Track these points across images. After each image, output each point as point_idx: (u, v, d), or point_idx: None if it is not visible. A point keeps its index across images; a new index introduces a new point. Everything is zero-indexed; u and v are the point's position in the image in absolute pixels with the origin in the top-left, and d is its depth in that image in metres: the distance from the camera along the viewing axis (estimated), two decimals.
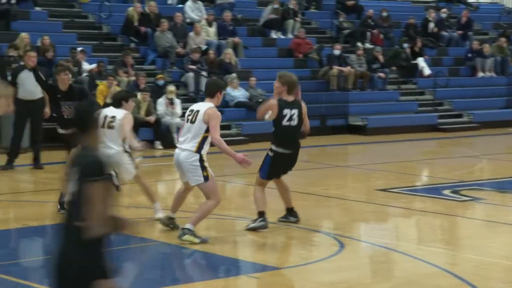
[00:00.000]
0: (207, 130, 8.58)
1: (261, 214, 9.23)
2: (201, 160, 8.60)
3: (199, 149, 8.61)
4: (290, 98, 9.43)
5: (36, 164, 13.68)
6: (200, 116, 8.63)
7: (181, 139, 8.82)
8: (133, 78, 17.50)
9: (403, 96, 22.23)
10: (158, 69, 19.22)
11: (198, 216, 8.77)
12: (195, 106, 8.94)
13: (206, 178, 8.58)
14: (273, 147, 9.40)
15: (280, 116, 9.31)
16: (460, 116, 22.20)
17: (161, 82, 17.67)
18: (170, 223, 9.20)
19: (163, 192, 12.37)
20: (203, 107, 8.75)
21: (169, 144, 15.83)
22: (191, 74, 18.72)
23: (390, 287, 7.47)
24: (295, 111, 9.36)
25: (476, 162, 16.61)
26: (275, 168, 9.37)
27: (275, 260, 8.36)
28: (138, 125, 16.30)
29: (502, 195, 12.33)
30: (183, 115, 14.02)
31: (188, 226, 8.70)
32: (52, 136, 16.30)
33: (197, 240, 8.60)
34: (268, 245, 8.90)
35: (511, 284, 7.37)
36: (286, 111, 9.32)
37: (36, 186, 12.64)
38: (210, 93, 8.83)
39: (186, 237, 8.64)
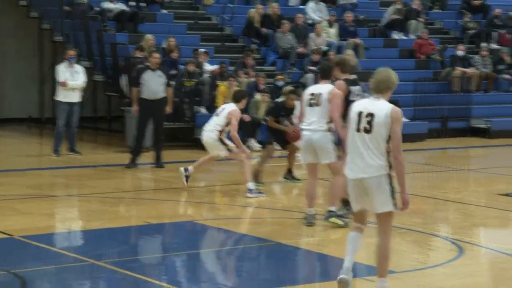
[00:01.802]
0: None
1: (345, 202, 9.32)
2: (332, 140, 9.31)
3: (329, 129, 9.30)
4: None
5: (158, 163, 14.04)
6: (324, 97, 9.29)
7: (307, 122, 9.42)
8: (253, 79, 17.69)
9: None
10: (278, 70, 19.34)
11: (333, 194, 9.31)
12: (315, 89, 9.55)
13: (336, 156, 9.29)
14: None
15: None
16: None
17: (280, 83, 17.79)
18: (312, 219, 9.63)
19: (282, 191, 12.47)
20: (325, 89, 9.39)
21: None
22: (310, 75, 18.75)
23: None
24: None
25: None
26: None
27: (391, 263, 8.26)
28: (257, 126, 16.49)
29: None
30: None
31: (332, 208, 9.29)
32: (174, 136, 16.84)
33: (341, 223, 9.11)
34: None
35: None
36: None
37: (157, 185, 12.99)
38: (326, 75, 9.60)
39: (333, 219, 9.25)
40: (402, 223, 9.44)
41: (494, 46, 22.55)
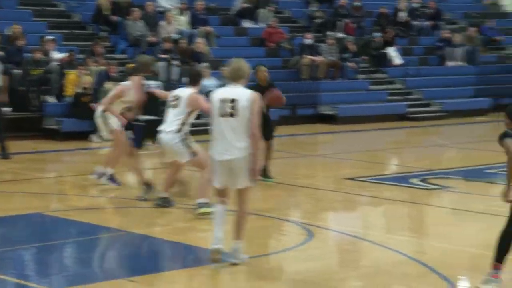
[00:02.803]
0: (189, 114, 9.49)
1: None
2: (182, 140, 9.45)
3: (179, 131, 9.47)
4: None
5: (3, 153, 13.56)
6: (183, 101, 9.48)
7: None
8: (103, 67, 17.41)
9: (373, 86, 22.34)
10: (129, 58, 19.15)
11: (201, 187, 9.44)
12: (179, 92, 9.70)
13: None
14: None
15: None
16: (429, 105, 22.36)
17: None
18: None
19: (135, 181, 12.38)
20: (186, 93, 9.57)
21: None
22: (162, 63, 18.66)
23: (357, 276, 7.53)
24: None
25: (444, 151, 16.77)
26: None
27: (243, 249, 8.39)
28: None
29: (469, 183, 12.46)
30: None
31: (201, 200, 9.35)
32: (20, 126, 16.30)
33: (211, 210, 8.90)
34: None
35: (477, 271, 7.45)
36: None
37: (3, 177, 12.50)
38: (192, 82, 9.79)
39: (202, 210, 9.26)
40: (254, 208, 9.58)
41: (340, 35, 23.22)
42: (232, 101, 7.27)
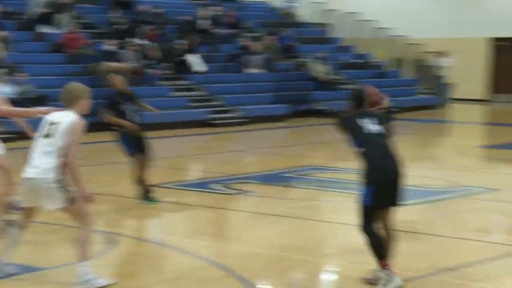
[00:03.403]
0: None
1: None
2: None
3: None
4: None
5: None
6: None
7: None
8: None
9: (175, 92, 22.54)
10: None
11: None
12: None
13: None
14: None
15: None
16: (230, 111, 22.87)
17: None
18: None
19: None
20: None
21: None
22: None
23: (159, 282, 7.59)
24: None
25: (244, 156, 17.22)
26: None
27: (40, 260, 8.22)
28: None
29: (268, 187, 12.87)
30: None
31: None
32: None
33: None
34: (32, 244, 8.70)
35: (275, 272, 7.74)
36: None
37: None
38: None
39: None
40: (53, 219, 9.41)
41: (142, 41, 23.24)
42: (53, 123, 7.17)
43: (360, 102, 7.18)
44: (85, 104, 7.30)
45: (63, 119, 7.18)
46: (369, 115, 7.12)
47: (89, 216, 7.33)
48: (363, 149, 7.03)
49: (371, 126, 7.07)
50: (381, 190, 6.96)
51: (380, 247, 7.04)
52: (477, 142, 20.66)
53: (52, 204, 7.13)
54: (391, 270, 7.06)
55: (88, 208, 7.35)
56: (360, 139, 7.03)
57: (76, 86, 7.37)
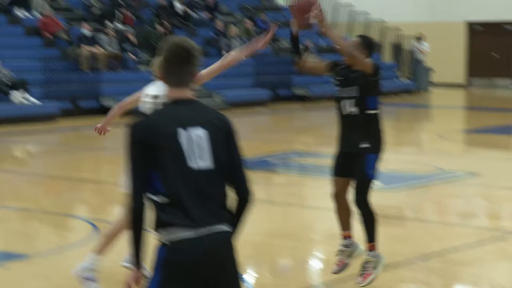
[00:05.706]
0: None
1: None
2: None
3: None
4: None
5: None
6: None
7: None
8: None
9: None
10: None
11: None
12: None
13: None
14: None
15: None
16: (211, 96, 22.75)
17: None
18: None
19: None
20: None
21: None
22: None
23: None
24: None
25: None
26: None
27: (25, 248, 8.13)
28: None
29: (252, 173, 12.78)
30: None
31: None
32: None
33: None
34: (16, 232, 8.61)
35: (262, 258, 7.72)
36: None
37: None
38: None
39: None
40: (36, 205, 9.32)
41: (120, 26, 23.03)
42: None
43: (372, 49, 6.96)
44: None
45: None
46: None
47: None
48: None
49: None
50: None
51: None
52: (457, 126, 20.74)
53: None
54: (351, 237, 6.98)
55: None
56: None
57: None
